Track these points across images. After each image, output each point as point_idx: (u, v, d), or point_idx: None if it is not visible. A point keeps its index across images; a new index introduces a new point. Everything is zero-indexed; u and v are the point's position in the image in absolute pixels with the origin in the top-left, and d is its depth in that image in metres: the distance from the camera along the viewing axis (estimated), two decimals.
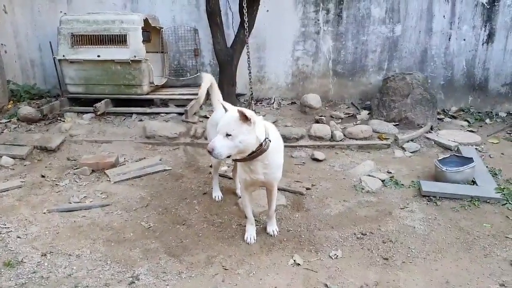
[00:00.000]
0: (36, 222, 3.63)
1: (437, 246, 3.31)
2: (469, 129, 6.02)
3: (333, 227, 3.58)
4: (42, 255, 3.17)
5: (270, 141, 2.94)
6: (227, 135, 2.77)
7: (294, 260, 3.12)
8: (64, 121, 5.85)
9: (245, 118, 2.77)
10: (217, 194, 4.06)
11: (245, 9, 4.34)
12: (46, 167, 4.74)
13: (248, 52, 4.16)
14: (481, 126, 6.23)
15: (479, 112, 6.75)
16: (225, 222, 3.66)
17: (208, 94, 3.96)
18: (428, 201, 4.00)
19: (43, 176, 4.47)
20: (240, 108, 2.77)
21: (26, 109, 5.89)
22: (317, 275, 2.97)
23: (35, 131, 5.60)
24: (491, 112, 6.74)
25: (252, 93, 3.99)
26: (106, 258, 3.15)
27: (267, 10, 6.54)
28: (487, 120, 6.46)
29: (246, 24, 4.25)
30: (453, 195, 4.00)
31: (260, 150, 2.92)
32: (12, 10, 6.91)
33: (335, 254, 3.20)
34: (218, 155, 2.78)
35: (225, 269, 3.03)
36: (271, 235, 3.44)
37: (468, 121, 6.35)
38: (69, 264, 3.08)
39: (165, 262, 3.11)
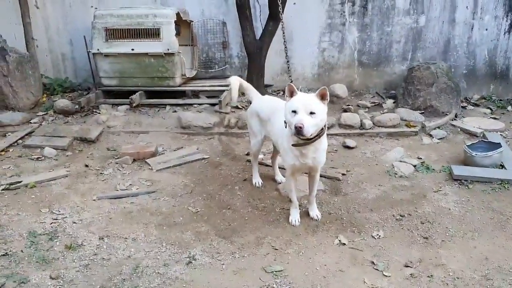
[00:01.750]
0: (87, 208, 3.79)
1: (473, 226, 3.48)
2: (492, 116, 6.14)
3: (372, 210, 3.75)
4: (99, 239, 3.34)
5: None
6: (311, 113, 2.90)
7: (340, 240, 3.29)
8: (100, 113, 6.04)
9: (323, 97, 2.95)
10: (257, 180, 4.21)
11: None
12: (87, 157, 4.91)
13: (284, 42, 4.33)
14: (503, 114, 6.35)
15: (500, 100, 6.85)
16: (268, 206, 3.82)
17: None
18: (460, 184, 4.16)
19: (86, 166, 4.64)
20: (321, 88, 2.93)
21: (62, 102, 6.10)
22: (362, 253, 3.15)
23: (72, 123, 5.78)
24: None
25: (291, 81, 4.16)
26: (161, 241, 3.31)
27: (294, 3, 6.67)
28: (509, 108, 6.57)
29: (281, 11, 4.35)
30: (484, 178, 4.16)
31: (322, 132, 3.09)
32: (44, 5, 7.08)
33: (378, 234, 3.37)
34: (306, 132, 2.89)
35: (275, 249, 3.20)
36: (315, 219, 3.59)
37: (490, 108, 6.46)
38: (126, 247, 3.24)
39: (217, 243, 3.28)
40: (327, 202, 3.90)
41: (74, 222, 3.58)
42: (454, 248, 3.20)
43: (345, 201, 3.91)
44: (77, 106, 6.06)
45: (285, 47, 4.39)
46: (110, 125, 5.66)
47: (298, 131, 2.88)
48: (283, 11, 4.38)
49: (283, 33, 4.34)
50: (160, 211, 3.77)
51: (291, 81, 4.14)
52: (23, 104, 6.20)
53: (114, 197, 4.01)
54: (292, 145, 3.17)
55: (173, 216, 3.70)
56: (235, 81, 4.03)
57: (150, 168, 4.59)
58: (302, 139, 3.04)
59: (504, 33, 6.69)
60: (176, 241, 3.33)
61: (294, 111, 2.94)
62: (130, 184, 4.25)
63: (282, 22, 4.38)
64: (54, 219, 3.61)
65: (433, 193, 4.04)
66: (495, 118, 6.06)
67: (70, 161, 4.81)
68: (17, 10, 6.86)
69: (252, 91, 4.12)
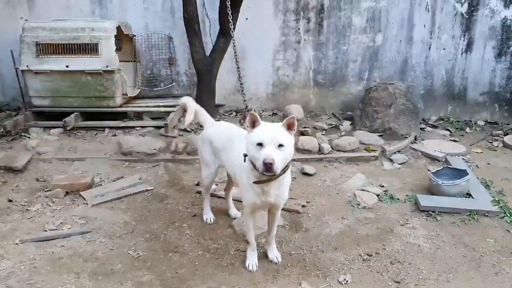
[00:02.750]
0: (8, 255, 3.21)
1: (447, 265, 3.20)
2: (452, 138, 6.03)
3: (336, 248, 3.40)
4: None
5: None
6: (280, 145, 2.55)
7: None
8: (29, 137, 5.39)
9: (290, 127, 2.62)
10: (208, 216, 3.77)
11: (229, 13, 4.15)
12: (12, 189, 4.29)
13: (237, 62, 3.98)
14: (462, 135, 6.28)
15: (458, 121, 6.81)
16: (221, 247, 3.39)
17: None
18: (427, 216, 3.91)
19: (10, 201, 4.04)
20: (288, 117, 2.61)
21: None
22: None
23: None
24: (470, 121, 6.83)
25: (247, 106, 3.78)
26: None
27: (246, 18, 6.34)
28: (467, 129, 6.52)
29: (232, 27, 4.03)
30: (452, 209, 3.93)
31: (287, 166, 2.72)
32: None
33: (345, 279, 3.01)
34: (277, 169, 2.51)
35: None
36: (275, 262, 3.19)
37: (449, 130, 6.38)
38: None
39: None
40: (287, 240, 3.50)
41: None
42: None
43: (307, 238, 3.53)
44: (1, 130, 5.36)
45: (238, 67, 4.01)
46: (41, 151, 5.03)
47: (268, 167, 2.49)
48: (234, 28, 4.04)
49: (235, 51, 3.96)
50: (95, 256, 3.25)
51: (246, 106, 3.77)
52: None
53: (41, 239, 3.45)
54: (254, 182, 2.75)
55: (110, 262, 3.19)
56: (191, 103, 3.62)
57: (85, 202, 4.05)
58: (267, 175, 2.64)
59: (462, 52, 6.67)
60: None
61: (260, 144, 2.56)
62: (61, 223, 3.70)
63: (233, 39, 3.99)
64: None
65: (400, 226, 3.74)
66: (455, 141, 5.96)
67: None
68: None
69: (203, 115, 3.70)
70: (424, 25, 6.56)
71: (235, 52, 4.00)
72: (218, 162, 3.47)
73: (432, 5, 6.46)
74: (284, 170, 2.69)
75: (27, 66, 5.62)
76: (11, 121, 5.54)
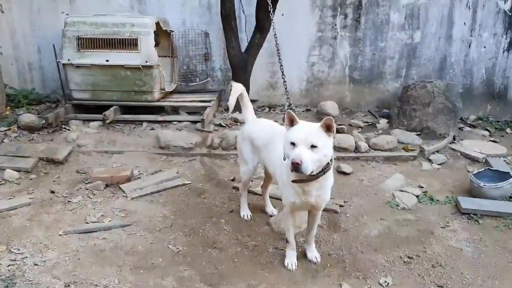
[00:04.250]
0: (52, 246, 3.30)
1: (491, 271, 3.13)
2: (492, 139, 5.86)
3: (376, 250, 3.36)
4: (65, 286, 2.86)
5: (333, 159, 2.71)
6: (312, 146, 2.51)
7: None
8: (69, 130, 5.50)
9: (329, 129, 2.55)
10: (246, 212, 3.78)
11: (271, 10, 4.14)
12: (54, 181, 4.39)
13: (279, 60, 3.96)
14: (502, 136, 6.09)
15: (498, 121, 6.61)
16: (259, 245, 3.40)
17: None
18: (469, 219, 3.82)
19: (52, 192, 4.13)
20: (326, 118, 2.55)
21: (28, 117, 5.50)
22: None
23: (38, 141, 5.23)
24: (511, 121, 6.60)
25: (290, 102, 3.75)
26: None
27: (282, 14, 6.28)
28: (508, 130, 6.32)
29: (273, 24, 4.01)
30: (495, 212, 3.83)
31: (328, 168, 2.69)
32: (10, 9, 6.51)
33: (386, 282, 2.98)
34: (306, 169, 2.49)
35: None
36: (314, 262, 3.18)
37: (488, 130, 6.19)
38: None
39: None
40: (326, 241, 3.48)
41: (36, 264, 3.08)
42: None
43: (346, 239, 3.50)
44: (43, 122, 5.49)
45: (281, 64, 3.96)
46: (81, 143, 5.12)
47: (295, 167, 2.48)
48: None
49: (278, 49, 3.96)
50: (136, 250, 3.30)
51: (289, 104, 3.74)
52: None
53: (83, 231, 3.52)
54: (293, 181, 2.73)
55: (151, 256, 3.23)
56: (238, 87, 3.61)
57: (125, 195, 4.11)
58: (299, 174, 2.63)
59: (503, 51, 6.47)
60: None
61: (293, 144, 2.54)
62: (102, 215, 3.77)
63: (275, 36, 3.96)
64: (12, 260, 3.10)
65: (441, 229, 3.67)
66: (494, 141, 5.78)
67: (34, 185, 4.28)
68: None
69: (248, 110, 3.69)
70: (464, 23, 6.37)
71: (278, 50, 3.99)
72: (257, 159, 3.47)
73: (473, 2, 6.27)
74: (324, 171, 2.66)
75: (69, 60, 5.70)
76: (53, 114, 5.64)
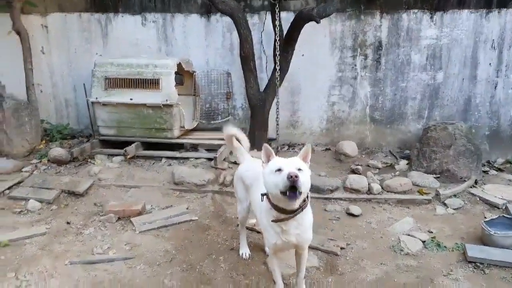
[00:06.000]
0: (57, 275, 3.47)
1: None
2: None
3: None
4: None
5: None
6: (299, 169, 2.57)
7: None
8: (94, 164, 5.80)
9: (306, 158, 2.72)
10: (244, 251, 3.80)
11: (277, 54, 4.26)
12: (72, 212, 4.63)
13: (277, 97, 4.03)
14: None
15: None
16: (252, 284, 3.40)
17: None
18: (475, 268, 3.63)
19: (68, 223, 4.35)
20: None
21: (56, 151, 5.86)
22: None
23: (64, 174, 5.56)
24: None
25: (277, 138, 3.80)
26: None
27: (302, 55, 6.41)
28: None
29: (277, 65, 4.13)
30: (504, 262, 3.62)
31: (305, 203, 2.72)
32: (50, 51, 7.05)
33: None
34: (301, 184, 2.50)
35: None
36: None
37: None
38: None
39: None
40: (319, 283, 3.43)
41: None
42: None
43: (340, 283, 3.44)
44: (70, 156, 5.83)
45: (277, 117, 4.05)
46: (102, 177, 5.38)
47: (294, 181, 2.46)
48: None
49: (277, 101, 4.02)
50: (133, 283, 3.40)
51: (277, 145, 3.79)
52: (17, 151, 6.05)
53: (88, 262, 3.68)
54: (272, 221, 2.77)
55: None
56: (230, 131, 3.68)
57: (134, 228, 4.26)
58: (284, 211, 2.69)
59: None
60: None
61: (279, 170, 2.58)
62: (108, 247, 3.92)
63: (277, 90, 4.06)
64: (17, 287, 3.27)
65: (442, 277, 3.52)
66: None
67: (53, 216, 4.53)
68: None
69: (240, 152, 3.76)
70: (490, 63, 6.22)
71: (277, 89, 4.05)
72: (249, 198, 3.50)
73: (499, 42, 6.14)
74: (301, 208, 2.69)
75: (96, 98, 6.07)
76: (78, 148, 6.00)
